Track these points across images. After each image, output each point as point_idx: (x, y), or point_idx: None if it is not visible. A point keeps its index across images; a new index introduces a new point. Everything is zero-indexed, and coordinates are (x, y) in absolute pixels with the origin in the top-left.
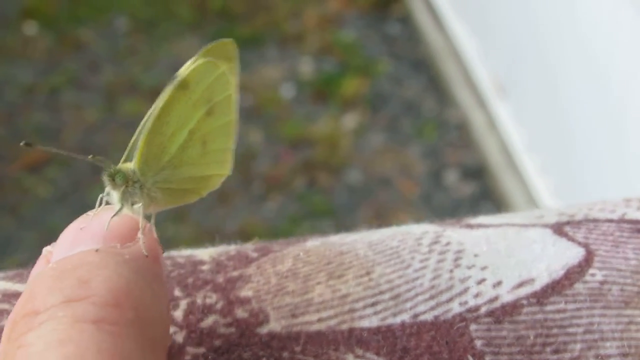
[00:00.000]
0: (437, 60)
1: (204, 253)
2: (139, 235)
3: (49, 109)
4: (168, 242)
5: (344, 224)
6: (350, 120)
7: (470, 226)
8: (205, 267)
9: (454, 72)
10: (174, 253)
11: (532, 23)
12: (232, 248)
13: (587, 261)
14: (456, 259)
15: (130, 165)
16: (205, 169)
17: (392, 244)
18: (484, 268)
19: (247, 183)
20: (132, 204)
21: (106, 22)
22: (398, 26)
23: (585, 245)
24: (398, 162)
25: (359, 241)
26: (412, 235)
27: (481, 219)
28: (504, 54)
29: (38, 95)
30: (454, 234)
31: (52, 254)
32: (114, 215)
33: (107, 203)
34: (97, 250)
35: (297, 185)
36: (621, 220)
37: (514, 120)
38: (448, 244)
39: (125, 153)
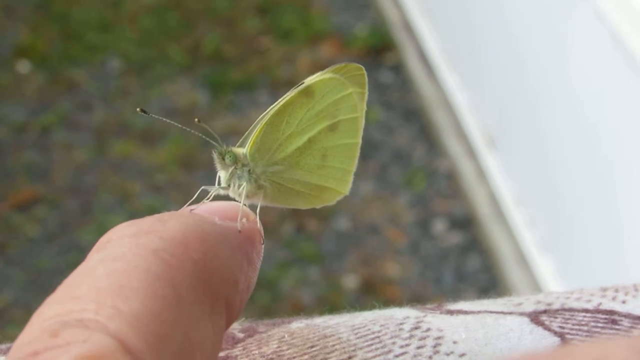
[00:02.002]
0: (428, 109)
1: None
2: (243, 220)
3: (39, 148)
4: None
5: (332, 271)
6: None
7: (450, 312)
8: None
9: (445, 122)
10: None
11: (523, 77)
12: None
13: None
14: (435, 345)
15: (241, 150)
16: (322, 180)
17: (374, 328)
18: (462, 355)
19: None
20: (239, 187)
21: (99, 63)
22: (390, 75)
23: (561, 335)
24: (387, 211)
25: (342, 325)
26: (394, 321)
27: (461, 305)
28: (494, 106)
29: (29, 134)
30: (434, 320)
31: None
32: (216, 194)
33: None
34: (190, 211)
35: (286, 231)
36: (596, 311)
37: (503, 172)
38: (428, 330)
39: (240, 141)
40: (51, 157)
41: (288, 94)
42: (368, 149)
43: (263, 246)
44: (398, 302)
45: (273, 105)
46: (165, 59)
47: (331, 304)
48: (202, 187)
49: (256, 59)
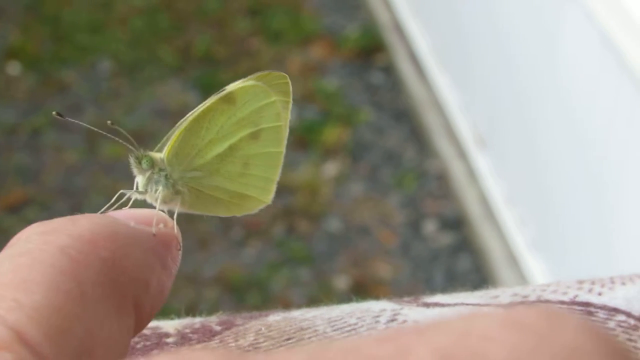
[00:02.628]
0: (419, 110)
1: (169, 325)
2: (160, 225)
3: (30, 149)
4: None
5: (322, 272)
6: (331, 169)
7: (427, 305)
8: (170, 340)
9: (435, 123)
10: None
11: (513, 77)
12: (197, 321)
13: None
14: None
15: (159, 154)
16: (243, 188)
17: (351, 321)
18: None
19: (227, 228)
20: (156, 192)
21: (89, 65)
22: (381, 76)
23: None
24: (377, 211)
25: (319, 317)
26: (370, 313)
27: (438, 298)
28: (485, 107)
29: (19, 136)
30: (410, 312)
31: None
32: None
33: (127, 200)
34: (101, 212)
35: (277, 231)
36: (573, 303)
37: (493, 172)
38: (404, 322)
39: (158, 146)
40: (42, 158)
41: (208, 100)
42: (359, 150)
43: (180, 253)
44: None
45: (193, 110)
46: (156, 61)
47: (322, 305)
48: (120, 191)
49: (247, 60)
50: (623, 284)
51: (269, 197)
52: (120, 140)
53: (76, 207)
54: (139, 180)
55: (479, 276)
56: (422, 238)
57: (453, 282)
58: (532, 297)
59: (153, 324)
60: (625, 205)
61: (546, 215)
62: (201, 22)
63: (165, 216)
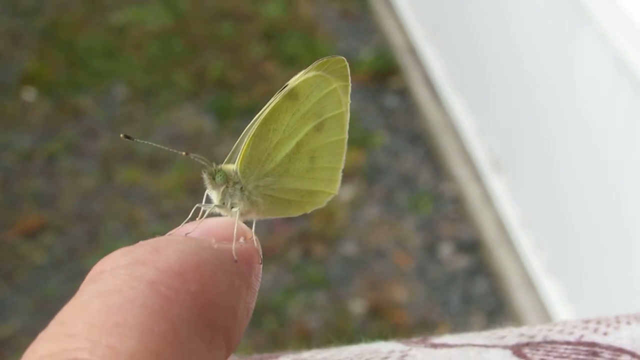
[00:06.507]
0: (434, 133)
1: None
2: (241, 240)
3: (46, 175)
4: None
5: (339, 296)
6: (347, 192)
7: (434, 346)
8: None
9: (450, 146)
10: None
11: (529, 100)
12: None
13: None
14: None
15: (232, 166)
16: (312, 184)
17: None
18: None
19: None
20: (232, 206)
21: (105, 90)
22: (396, 99)
23: None
24: (393, 235)
25: (329, 359)
26: (379, 354)
27: (446, 339)
28: (500, 130)
29: (35, 162)
30: (418, 354)
31: None
32: (211, 212)
33: (204, 214)
34: (186, 234)
35: (292, 256)
36: (578, 343)
37: (509, 195)
38: None
39: (228, 156)
40: (58, 184)
41: (272, 100)
42: (374, 174)
43: (261, 266)
44: (405, 327)
45: (258, 114)
46: (171, 86)
47: (338, 329)
48: (197, 205)
49: (261, 85)
50: (628, 323)
51: (335, 187)
52: (195, 158)
53: (92, 232)
54: (213, 195)
55: (495, 299)
56: (438, 261)
57: (469, 305)
58: (539, 338)
59: None
60: None
61: (562, 238)
62: (216, 46)
63: (244, 227)
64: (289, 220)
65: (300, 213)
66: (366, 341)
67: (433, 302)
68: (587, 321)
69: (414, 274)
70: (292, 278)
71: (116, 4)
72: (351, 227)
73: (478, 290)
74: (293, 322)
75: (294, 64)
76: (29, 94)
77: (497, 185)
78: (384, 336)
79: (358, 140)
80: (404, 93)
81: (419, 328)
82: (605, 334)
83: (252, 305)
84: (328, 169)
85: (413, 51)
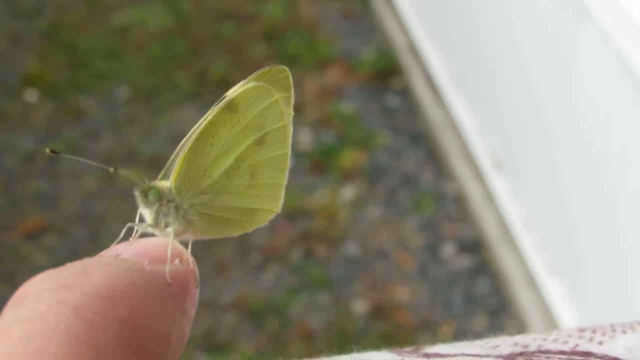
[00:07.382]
0: (436, 133)
1: None
2: (176, 261)
3: (48, 176)
4: None
5: (341, 296)
6: (348, 192)
7: (427, 355)
8: None
9: (452, 146)
10: None
11: (530, 100)
12: None
13: None
14: None
15: (166, 183)
16: (252, 201)
17: None
18: None
19: (244, 254)
20: (166, 225)
21: (106, 91)
22: (397, 99)
23: None
24: (395, 235)
25: None
26: None
27: (438, 348)
28: (502, 129)
29: (37, 163)
30: None
31: None
32: (142, 233)
33: (136, 233)
34: (117, 256)
35: (294, 256)
36: (573, 352)
37: (511, 194)
38: None
39: (162, 172)
40: (60, 185)
41: (209, 112)
42: (376, 174)
43: (198, 289)
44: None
45: (194, 127)
46: (173, 86)
47: (340, 330)
48: (128, 224)
49: None
50: (624, 332)
51: (278, 205)
52: (124, 174)
53: (94, 234)
54: (147, 214)
55: (497, 299)
56: (440, 261)
57: (472, 305)
58: (533, 347)
59: None
60: None
61: (564, 238)
62: (217, 47)
63: (179, 248)
64: (291, 220)
65: (241, 232)
66: (358, 350)
67: (435, 302)
68: (582, 330)
69: (416, 274)
70: (295, 278)
71: (117, 5)
72: (353, 228)
73: (480, 290)
74: (295, 323)
75: (295, 64)
76: (31, 95)
77: (499, 185)
78: (386, 336)
79: (360, 140)
80: (406, 93)
81: (422, 328)
82: (600, 343)
83: (187, 331)
84: (270, 185)
85: (414, 51)
